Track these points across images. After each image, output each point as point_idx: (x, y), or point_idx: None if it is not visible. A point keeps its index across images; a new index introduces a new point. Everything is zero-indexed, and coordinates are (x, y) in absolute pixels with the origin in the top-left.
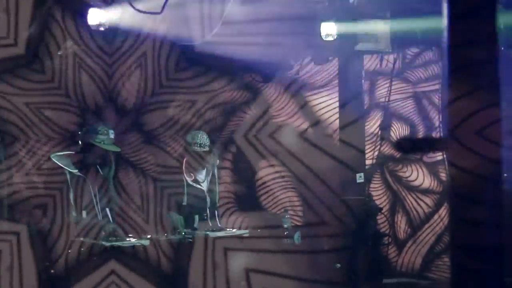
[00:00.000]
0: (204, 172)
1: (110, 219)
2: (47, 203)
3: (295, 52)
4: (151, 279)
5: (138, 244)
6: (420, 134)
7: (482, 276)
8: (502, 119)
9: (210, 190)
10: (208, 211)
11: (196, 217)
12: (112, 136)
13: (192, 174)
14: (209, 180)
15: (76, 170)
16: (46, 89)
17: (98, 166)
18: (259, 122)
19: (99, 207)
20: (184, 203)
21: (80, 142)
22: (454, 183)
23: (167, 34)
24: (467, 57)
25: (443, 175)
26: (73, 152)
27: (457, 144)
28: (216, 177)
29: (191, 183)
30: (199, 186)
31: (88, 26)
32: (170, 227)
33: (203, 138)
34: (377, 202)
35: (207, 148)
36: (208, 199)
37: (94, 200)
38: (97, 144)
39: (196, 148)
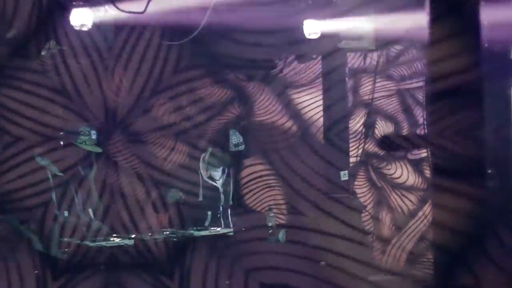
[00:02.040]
0: (220, 170)
1: (93, 218)
2: None
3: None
4: None
5: (122, 244)
6: (404, 131)
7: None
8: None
9: (224, 189)
10: (221, 209)
11: (209, 213)
12: (94, 136)
13: (207, 171)
14: (224, 178)
15: (58, 171)
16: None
17: (79, 167)
18: (244, 121)
19: (82, 207)
20: (200, 199)
21: (62, 143)
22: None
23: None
24: (449, 52)
25: (427, 172)
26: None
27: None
28: (231, 176)
29: (206, 179)
30: (214, 183)
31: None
32: (171, 202)
33: (238, 137)
34: (362, 200)
35: (242, 147)
36: (222, 197)
37: (76, 200)
38: (78, 144)
39: (232, 148)
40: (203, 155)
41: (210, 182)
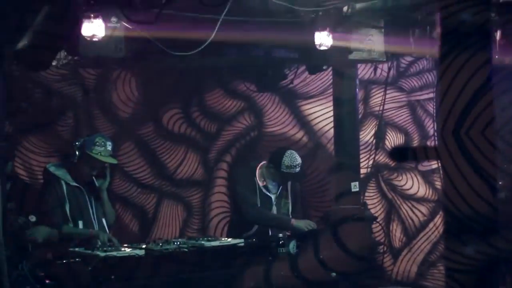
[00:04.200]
0: (275, 184)
1: (106, 229)
2: None
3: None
4: None
5: (133, 254)
6: (415, 142)
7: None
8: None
9: (277, 202)
10: None
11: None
12: (109, 148)
13: (263, 181)
14: (278, 193)
15: (72, 181)
16: None
17: (94, 177)
18: (254, 132)
19: (95, 218)
20: (258, 205)
21: (77, 153)
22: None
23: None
24: (461, 64)
25: (438, 184)
26: (69, 162)
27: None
28: (289, 192)
29: (261, 187)
30: (268, 194)
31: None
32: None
33: (293, 160)
34: (372, 211)
35: (295, 170)
36: (274, 210)
37: (90, 211)
38: (94, 155)
39: (283, 169)
40: (261, 163)
41: (264, 191)
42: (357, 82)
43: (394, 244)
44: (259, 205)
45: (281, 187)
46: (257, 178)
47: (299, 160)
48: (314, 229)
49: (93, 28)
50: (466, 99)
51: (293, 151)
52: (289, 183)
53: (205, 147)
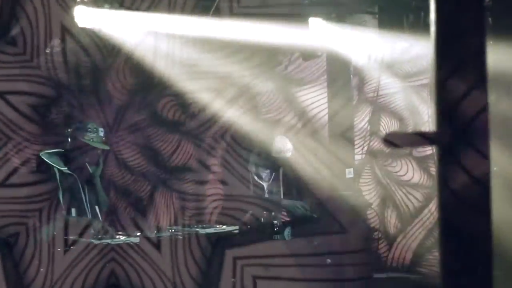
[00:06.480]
0: (268, 171)
1: (99, 216)
2: None
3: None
4: None
5: (128, 241)
6: (409, 128)
7: (472, 271)
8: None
9: (270, 190)
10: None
11: (250, 212)
12: (101, 134)
13: (255, 168)
14: (271, 180)
15: (65, 168)
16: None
17: (87, 164)
18: (249, 118)
19: (88, 205)
20: (251, 192)
21: (69, 140)
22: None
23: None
24: (455, 50)
25: (433, 170)
26: (62, 150)
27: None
28: (280, 179)
29: (253, 175)
30: (260, 182)
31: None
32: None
33: (283, 144)
34: (367, 197)
35: (288, 155)
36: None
37: (83, 198)
38: (86, 141)
39: (274, 154)
40: (253, 152)
41: (257, 179)
42: (352, 68)
43: (389, 230)
44: (252, 192)
45: (273, 174)
46: (250, 166)
47: (290, 145)
48: (309, 215)
49: (87, 16)
50: (461, 85)
51: (284, 136)
52: (281, 170)
53: (199, 134)
